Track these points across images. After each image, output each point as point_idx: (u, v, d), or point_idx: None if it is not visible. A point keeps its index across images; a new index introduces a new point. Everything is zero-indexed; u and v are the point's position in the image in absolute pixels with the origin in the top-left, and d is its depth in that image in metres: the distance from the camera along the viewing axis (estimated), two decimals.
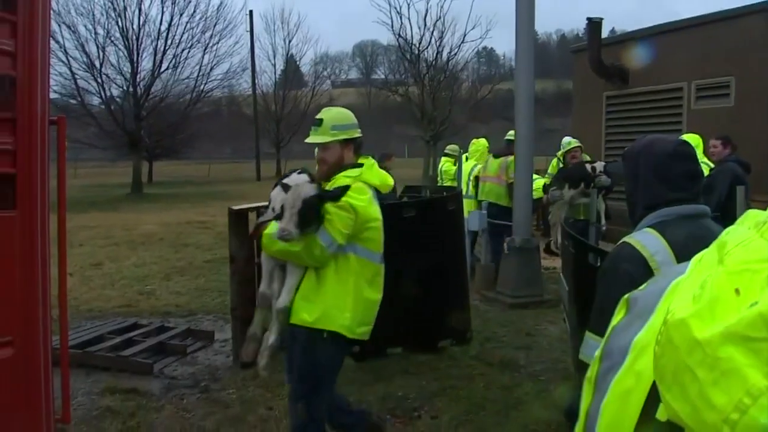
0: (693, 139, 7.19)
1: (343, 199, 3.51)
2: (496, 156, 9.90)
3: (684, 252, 2.11)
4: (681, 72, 12.01)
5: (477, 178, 10.40)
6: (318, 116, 3.85)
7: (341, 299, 3.60)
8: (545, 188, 9.43)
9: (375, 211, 3.72)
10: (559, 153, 12.44)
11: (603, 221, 8.95)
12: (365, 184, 3.70)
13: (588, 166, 8.83)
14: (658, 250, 2.12)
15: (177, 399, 5.44)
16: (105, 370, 6.00)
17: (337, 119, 3.82)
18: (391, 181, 3.98)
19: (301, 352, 3.70)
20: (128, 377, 5.86)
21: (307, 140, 3.84)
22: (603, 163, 8.96)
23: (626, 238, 2.25)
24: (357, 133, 3.85)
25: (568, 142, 9.68)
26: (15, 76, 2.22)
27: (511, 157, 9.31)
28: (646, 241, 2.17)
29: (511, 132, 9.62)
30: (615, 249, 2.29)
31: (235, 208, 6.18)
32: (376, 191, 3.79)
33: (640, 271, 2.10)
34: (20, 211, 2.24)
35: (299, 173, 3.73)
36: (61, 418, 2.50)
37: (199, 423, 4.93)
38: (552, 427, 4.79)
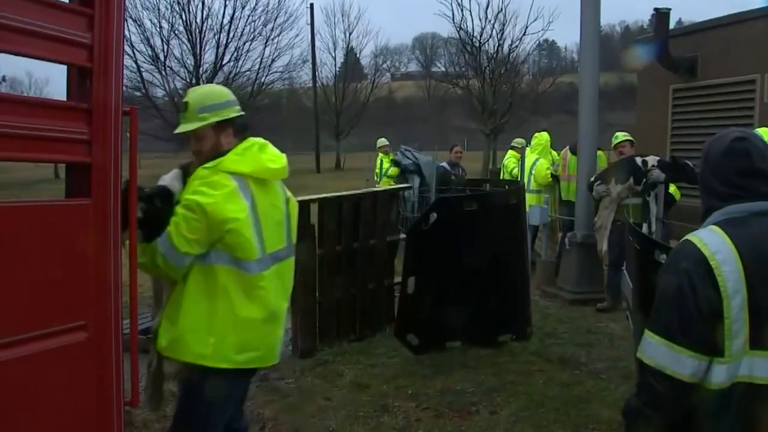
0: (767, 133, 6.92)
1: (190, 196, 2.89)
2: (575, 153, 9.26)
3: (750, 250, 2.06)
4: (754, 63, 11.59)
5: (555, 177, 9.95)
6: (184, 99, 3.13)
7: (200, 321, 2.94)
8: (589, 185, 8.41)
9: (235, 209, 2.92)
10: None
11: (653, 226, 7.81)
12: (231, 174, 2.97)
13: (638, 160, 7.92)
14: (719, 249, 2.06)
15: None
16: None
17: (204, 99, 3.07)
18: (279, 164, 3.16)
19: (182, 386, 3.17)
20: None
21: (176, 131, 3.14)
22: (656, 157, 8.04)
23: (689, 236, 2.19)
24: (233, 113, 3.10)
25: (615, 136, 8.62)
26: (91, 67, 2.28)
27: (598, 152, 9.11)
28: (708, 239, 2.11)
29: None
30: (677, 246, 2.23)
31: (297, 199, 6.21)
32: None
33: (699, 270, 2.05)
34: (94, 200, 2.29)
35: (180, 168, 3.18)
36: (129, 401, 2.57)
37: (258, 410, 5.01)
38: (613, 426, 4.71)
